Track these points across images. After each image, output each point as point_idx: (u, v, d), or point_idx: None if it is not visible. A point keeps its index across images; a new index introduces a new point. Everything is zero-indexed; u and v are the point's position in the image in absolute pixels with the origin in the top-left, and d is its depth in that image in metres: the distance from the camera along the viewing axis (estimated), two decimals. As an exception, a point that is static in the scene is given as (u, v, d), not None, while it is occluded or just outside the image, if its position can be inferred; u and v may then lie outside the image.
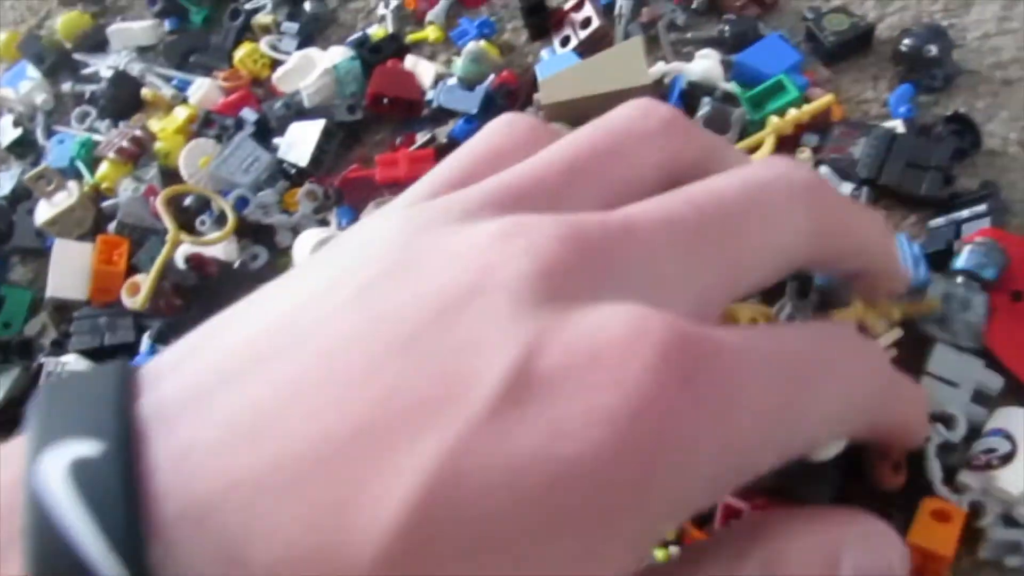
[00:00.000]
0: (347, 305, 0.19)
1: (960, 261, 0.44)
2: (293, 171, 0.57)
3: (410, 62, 0.61)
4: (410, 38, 0.64)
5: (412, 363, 0.18)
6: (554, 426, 0.17)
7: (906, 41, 0.54)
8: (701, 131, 0.25)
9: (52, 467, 0.16)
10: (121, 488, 0.16)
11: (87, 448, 0.17)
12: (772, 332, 0.22)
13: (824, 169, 0.51)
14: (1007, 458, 0.38)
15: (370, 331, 0.19)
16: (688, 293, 0.21)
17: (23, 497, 0.16)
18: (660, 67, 0.56)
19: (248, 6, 0.66)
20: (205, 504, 0.16)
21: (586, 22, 0.59)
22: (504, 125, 0.25)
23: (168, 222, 0.51)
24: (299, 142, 0.57)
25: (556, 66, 0.57)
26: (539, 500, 0.16)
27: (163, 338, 0.50)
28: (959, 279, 0.43)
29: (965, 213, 0.47)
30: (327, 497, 0.17)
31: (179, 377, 0.19)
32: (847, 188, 0.50)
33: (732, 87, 0.55)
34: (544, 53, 0.61)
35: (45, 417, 0.18)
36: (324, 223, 0.55)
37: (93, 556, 0.15)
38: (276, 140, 0.58)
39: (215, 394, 0.18)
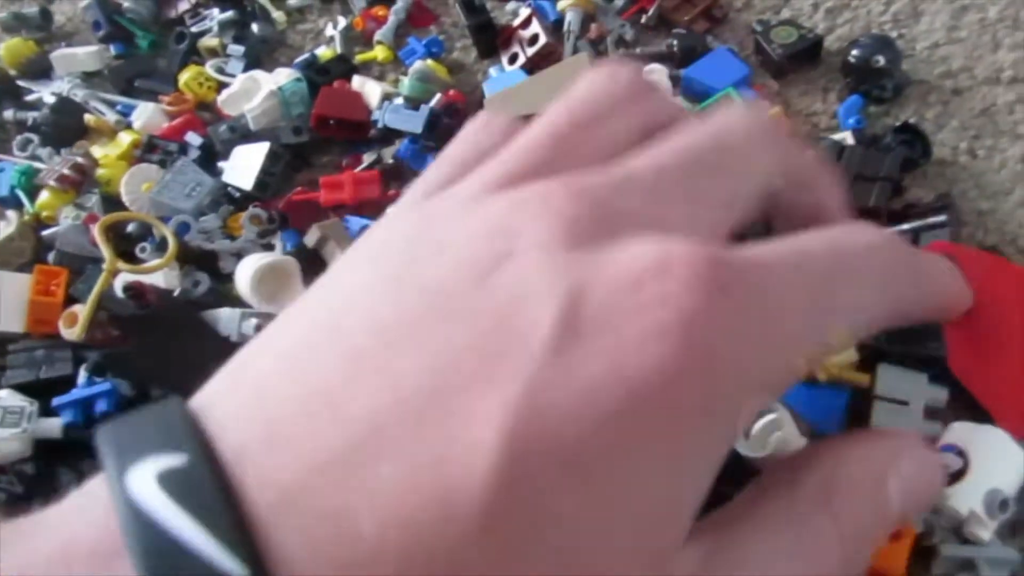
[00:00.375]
0: (387, 291, 0.21)
1: None
2: (238, 195, 0.56)
3: (357, 82, 0.60)
4: (359, 58, 0.63)
5: (466, 325, 0.19)
6: (615, 351, 0.18)
7: (854, 52, 0.53)
8: (660, 89, 0.28)
9: (142, 482, 0.17)
10: (213, 489, 0.17)
11: (171, 460, 0.17)
12: (792, 240, 0.23)
13: (773, 182, 0.50)
14: (957, 476, 0.37)
15: (416, 306, 0.20)
16: (694, 226, 0.22)
17: (120, 513, 0.17)
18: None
19: (194, 29, 0.64)
20: (298, 489, 0.17)
21: (533, 39, 0.59)
22: (481, 122, 0.27)
23: (105, 250, 0.50)
24: (244, 165, 0.56)
25: (504, 83, 0.57)
26: (618, 418, 0.18)
27: (100, 370, 0.48)
28: None
29: (922, 224, 0.47)
30: (419, 456, 0.17)
31: (237, 388, 0.20)
32: (797, 201, 0.49)
33: (680, 102, 0.54)
34: (492, 71, 0.60)
35: (119, 443, 0.18)
36: (269, 247, 0.54)
37: (208, 554, 0.16)
38: (221, 164, 0.57)
39: (278, 390, 0.19)
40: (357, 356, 0.19)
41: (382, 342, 0.19)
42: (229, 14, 0.64)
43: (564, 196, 0.21)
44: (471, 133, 0.27)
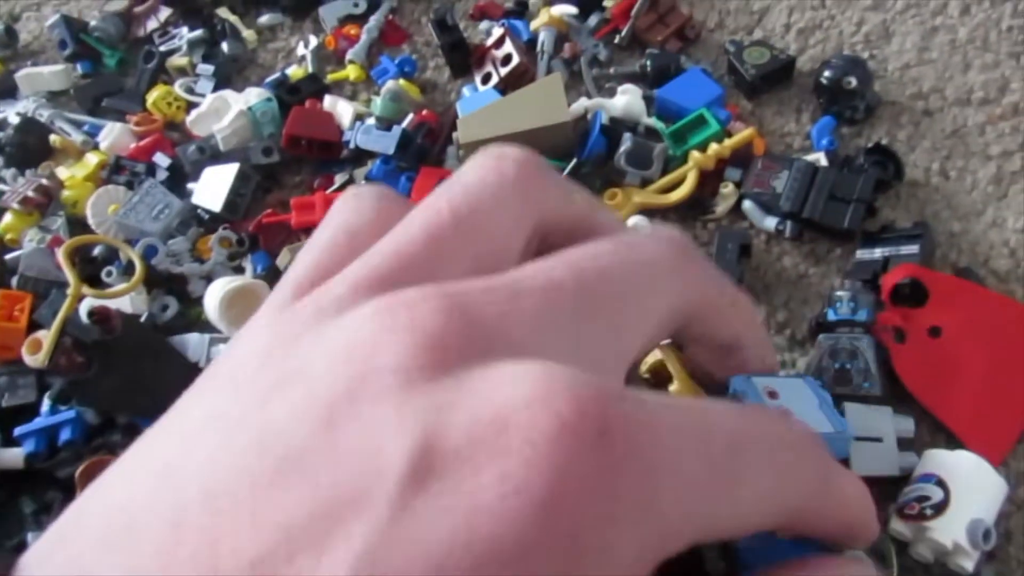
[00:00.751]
0: (226, 442, 0.18)
1: (831, 314, 0.44)
2: (207, 217, 0.55)
3: (329, 102, 0.59)
4: (330, 77, 0.62)
5: (305, 481, 0.17)
6: (469, 505, 0.16)
7: (826, 73, 0.53)
8: (556, 175, 0.24)
9: None
10: None
11: None
12: (701, 402, 0.21)
13: (747, 203, 0.50)
14: (940, 508, 0.36)
15: (255, 458, 0.17)
16: (581, 356, 0.19)
17: None
18: (582, 103, 0.55)
19: (163, 48, 0.64)
20: None
21: (507, 59, 0.58)
22: (351, 201, 0.24)
23: (70, 275, 0.49)
24: (213, 187, 0.55)
25: (477, 103, 0.56)
26: None
27: (64, 398, 0.47)
28: (839, 331, 0.44)
29: (897, 250, 0.47)
30: None
31: (61, 555, 0.18)
32: (771, 222, 0.49)
33: (654, 122, 0.54)
34: (466, 90, 0.60)
35: None
36: (239, 270, 0.53)
37: None
38: (190, 185, 0.56)
39: (98, 567, 0.17)
40: (180, 532, 0.17)
41: (210, 511, 0.17)
42: (198, 33, 0.63)
43: (433, 309, 0.18)
44: (341, 213, 0.24)
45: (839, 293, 0.45)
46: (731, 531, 0.20)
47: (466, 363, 0.18)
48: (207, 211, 0.55)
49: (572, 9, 0.60)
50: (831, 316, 0.44)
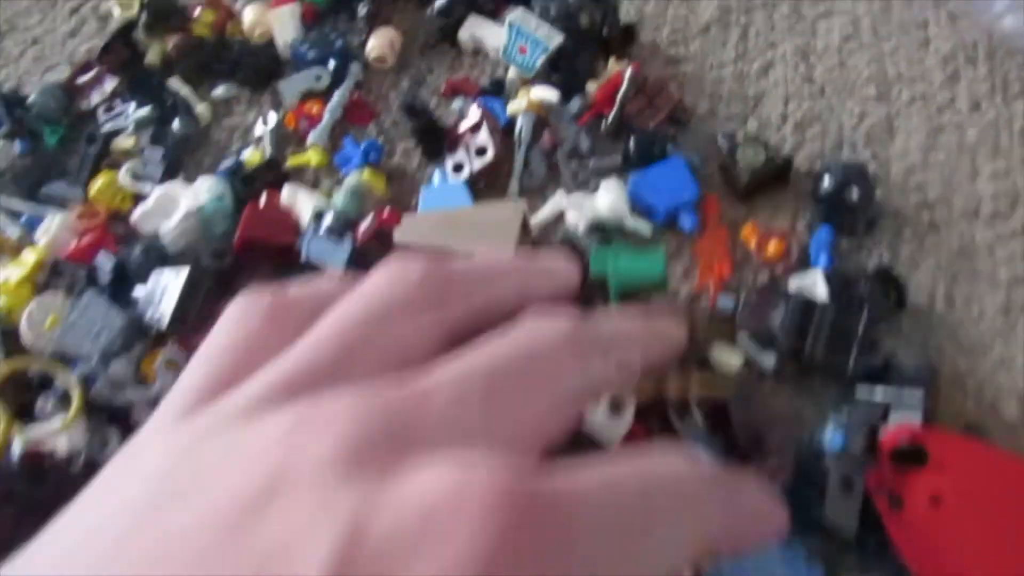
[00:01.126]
0: (126, 540, 0.18)
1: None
2: (153, 330, 0.51)
3: (287, 193, 0.54)
4: (290, 162, 0.57)
5: None
6: None
7: (825, 184, 0.49)
8: (462, 277, 0.25)
9: None
10: None
11: None
12: (603, 471, 0.21)
13: (743, 336, 0.46)
14: None
15: (155, 562, 0.17)
16: (495, 439, 0.21)
17: None
18: (559, 199, 0.51)
19: (108, 126, 0.59)
20: None
21: (482, 150, 0.54)
22: (241, 306, 0.25)
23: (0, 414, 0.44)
24: (161, 294, 0.51)
25: (440, 198, 0.52)
26: None
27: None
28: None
29: (899, 395, 0.43)
30: None
31: None
32: (770, 360, 0.45)
33: (638, 226, 0.50)
34: (436, 176, 0.55)
35: None
36: (188, 393, 0.49)
37: None
38: (137, 291, 0.52)
39: None
40: None
41: None
42: (146, 110, 0.58)
43: (349, 413, 0.19)
44: (231, 322, 0.25)
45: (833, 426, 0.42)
46: (656, 572, 0.21)
47: (384, 462, 0.18)
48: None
49: (553, 95, 0.55)
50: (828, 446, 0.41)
